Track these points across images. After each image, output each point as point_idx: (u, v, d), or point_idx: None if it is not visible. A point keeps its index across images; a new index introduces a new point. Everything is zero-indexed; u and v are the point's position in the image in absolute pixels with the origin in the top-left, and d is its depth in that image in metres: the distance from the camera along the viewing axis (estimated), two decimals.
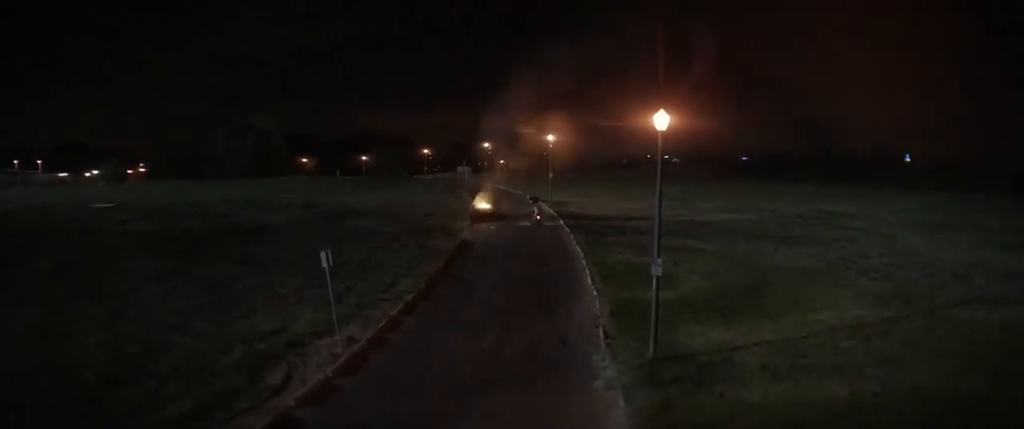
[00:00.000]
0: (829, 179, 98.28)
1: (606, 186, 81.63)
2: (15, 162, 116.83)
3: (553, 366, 15.47)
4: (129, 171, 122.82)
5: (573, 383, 14.41)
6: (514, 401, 13.37)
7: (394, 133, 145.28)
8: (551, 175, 60.83)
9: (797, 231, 38.41)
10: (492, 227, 41.77)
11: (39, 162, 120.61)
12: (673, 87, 15.97)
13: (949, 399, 12.94)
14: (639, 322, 17.33)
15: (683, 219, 43.67)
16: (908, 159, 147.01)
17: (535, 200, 47.74)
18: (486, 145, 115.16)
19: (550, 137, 66.82)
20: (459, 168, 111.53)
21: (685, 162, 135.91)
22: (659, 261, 15.63)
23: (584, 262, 27.75)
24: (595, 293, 21.93)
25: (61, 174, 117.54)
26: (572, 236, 35.77)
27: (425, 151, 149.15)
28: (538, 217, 43.57)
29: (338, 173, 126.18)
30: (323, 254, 16.54)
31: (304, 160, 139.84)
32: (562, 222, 42.36)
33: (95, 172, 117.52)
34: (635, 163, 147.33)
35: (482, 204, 48.71)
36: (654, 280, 15.68)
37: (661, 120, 14.95)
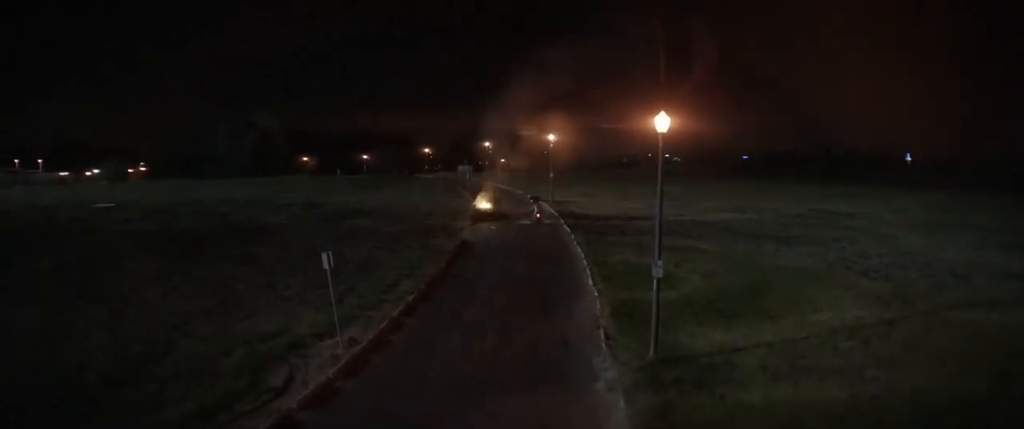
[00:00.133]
0: (829, 178, 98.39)
1: (607, 185, 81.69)
2: (16, 161, 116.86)
3: (554, 368, 15.50)
4: (130, 170, 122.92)
5: (574, 385, 14.43)
6: (515, 403, 13.40)
7: (394, 132, 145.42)
8: (552, 174, 60.91)
9: (797, 231, 38.45)
10: (493, 227, 41.82)
11: (40, 161, 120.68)
12: (674, 87, 15.96)
13: (949, 401, 12.97)
14: (640, 323, 17.38)
15: (684, 219, 43.70)
16: (909, 158, 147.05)
17: (536, 199, 48.08)
18: (487, 144, 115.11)
19: (551, 137, 66.93)
20: (460, 167, 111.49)
21: (686, 161, 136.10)
22: (660, 263, 15.66)
23: (585, 262, 27.79)
24: (596, 293, 21.97)
25: (62, 173, 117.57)
26: (573, 236, 35.81)
27: (426, 150, 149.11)
28: (538, 215, 44.49)
29: (338, 172, 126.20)
30: (324, 255, 16.57)
31: (305, 159, 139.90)
32: (563, 222, 42.39)
33: (96, 171, 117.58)
34: (636, 162, 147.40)
35: (483, 204, 49.03)
36: (655, 282, 15.72)
37: (662, 122, 14.97)
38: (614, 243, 32.86)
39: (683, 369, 14.67)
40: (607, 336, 17.29)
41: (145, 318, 18.61)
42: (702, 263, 26.88)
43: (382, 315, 19.31)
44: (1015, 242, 33.58)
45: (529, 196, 50.96)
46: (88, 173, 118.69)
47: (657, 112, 15.05)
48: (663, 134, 15.25)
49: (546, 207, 50.75)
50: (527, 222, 43.53)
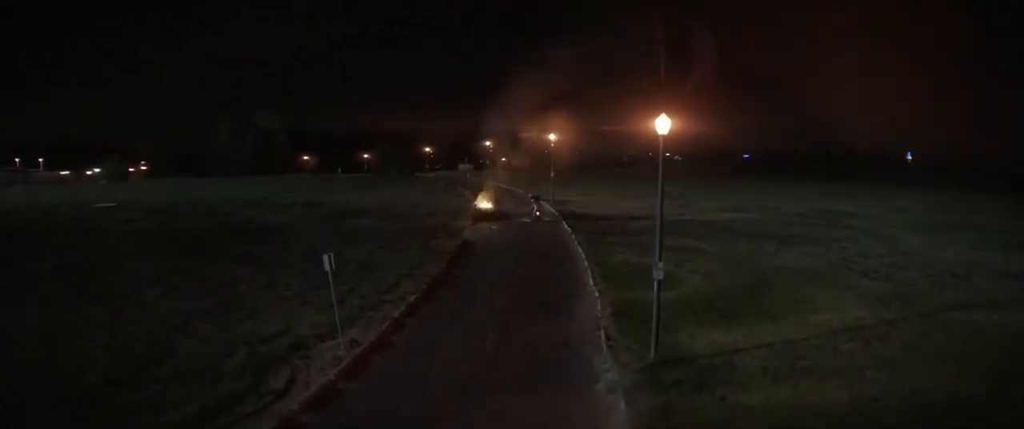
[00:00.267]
0: (830, 178, 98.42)
1: (607, 185, 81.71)
2: (16, 160, 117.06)
3: (554, 368, 15.52)
4: (130, 169, 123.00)
5: (574, 385, 14.45)
6: (516, 404, 13.43)
7: (395, 132, 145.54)
8: (553, 174, 60.96)
9: (798, 230, 38.46)
10: (494, 226, 41.89)
11: (40, 160, 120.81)
12: (674, 87, 15.98)
13: (948, 402, 13.00)
14: (640, 324, 17.41)
15: (684, 218, 43.73)
16: (909, 158, 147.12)
17: (536, 199, 48.52)
18: (487, 143, 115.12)
19: (552, 136, 67.02)
20: (461, 166, 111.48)
21: (686, 160, 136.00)
22: (660, 265, 15.68)
23: (585, 262, 27.82)
24: (597, 294, 22.00)
25: (63, 172, 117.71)
26: (573, 236, 35.83)
27: (426, 149, 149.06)
28: (537, 213, 45.75)
29: (339, 171, 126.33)
30: (326, 257, 16.57)
31: (305, 158, 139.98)
32: (563, 222, 42.42)
33: (96, 170, 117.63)
34: (636, 161, 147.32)
35: (484, 203, 49.45)
36: (655, 283, 15.74)
37: (662, 124, 14.99)
38: (615, 243, 32.88)
39: (683, 370, 14.70)
40: (608, 337, 17.32)
41: (146, 318, 18.66)
42: (702, 263, 26.90)
43: (383, 316, 19.34)
44: (1015, 242, 33.60)
45: (530, 195, 51.19)
46: (89, 172, 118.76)
47: (657, 113, 15.06)
48: (664, 135, 15.27)
49: (547, 206, 50.88)
50: (527, 220, 44.78)
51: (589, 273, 25.62)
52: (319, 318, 18.53)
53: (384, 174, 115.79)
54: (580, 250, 30.95)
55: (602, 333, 17.67)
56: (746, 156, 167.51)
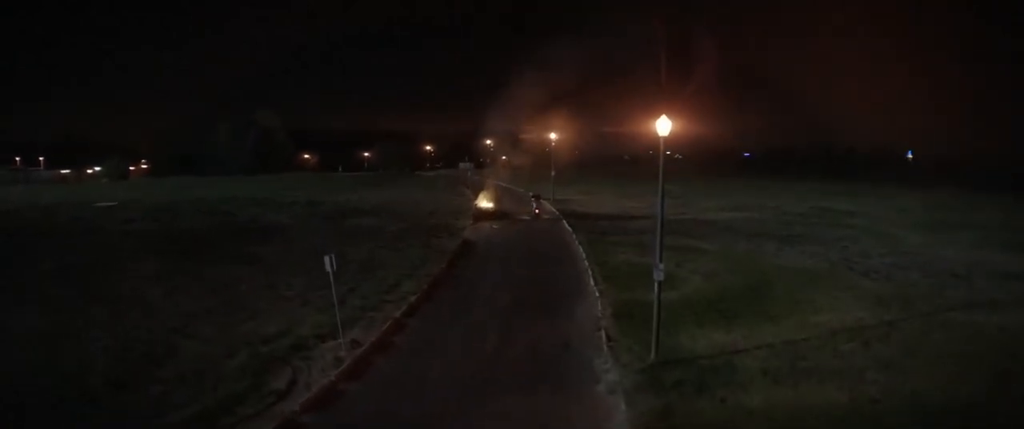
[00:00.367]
0: (830, 176, 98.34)
1: (608, 183, 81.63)
2: (17, 159, 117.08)
3: (556, 370, 15.54)
4: (131, 168, 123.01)
5: (575, 387, 14.49)
6: (517, 405, 13.46)
7: (395, 131, 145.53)
8: (553, 173, 60.97)
9: (799, 230, 38.48)
10: (495, 226, 41.92)
11: (41, 159, 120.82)
12: (675, 87, 16.01)
13: (948, 404, 13.04)
14: (641, 324, 17.44)
15: (685, 218, 43.73)
16: (910, 156, 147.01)
17: (537, 198, 49.13)
18: (488, 142, 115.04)
19: (552, 135, 67.03)
20: (461, 164, 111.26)
21: (687, 158, 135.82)
22: (661, 266, 15.71)
23: (586, 263, 27.84)
24: (597, 294, 22.02)
25: (63, 171, 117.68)
26: (574, 236, 35.83)
27: (427, 147, 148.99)
28: (537, 211, 47.15)
29: (340, 169, 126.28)
30: (327, 258, 16.60)
31: (306, 156, 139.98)
32: (564, 221, 42.44)
33: (97, 169, 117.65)
34: (637, 160, 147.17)
35: (485, 203, 49.72)
36: (656, 285, 15.77)
37: (663, 126, 15.00)
38: (615, 243, 32.90)
39: (684, 371, 14.74)
40: (608, 337, 17.36)
41: (147, 319, 18.72)
42: (703, 263, 26.93)
43: (384, 316, 19.38)
44: (1015, 241, 33.64)
45: (531, 194, 51.46)
46: (90, 171, 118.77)
47: (658, 113, 15.08)
48: (664, 136, 15.28)
49: (547, 205, 51.01)
50: (527, 218, 46.01)
51: (590, 273, 25.64)
52: (320, 318, 18.59)
53: (385, 172, 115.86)
54: (581, 250, 30.97)
55: (603, 334, 17.70)
56: (746, 154, 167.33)
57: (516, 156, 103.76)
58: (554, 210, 49.39)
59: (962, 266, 26.86)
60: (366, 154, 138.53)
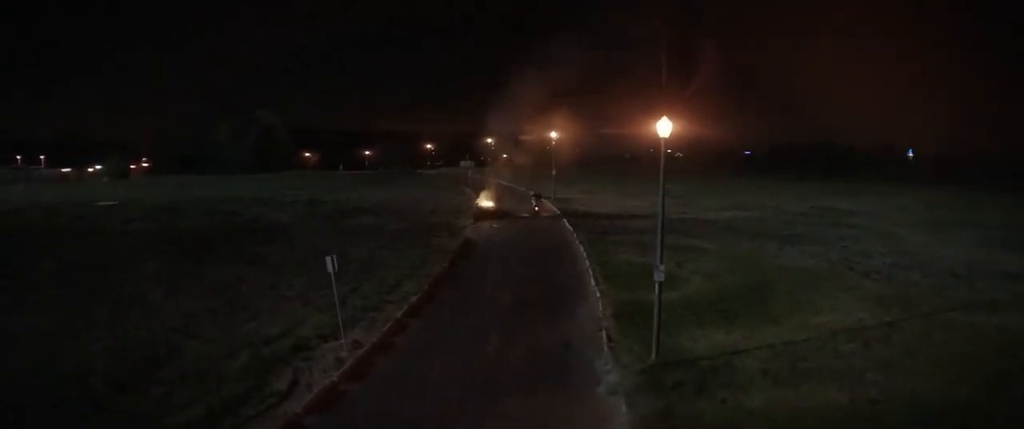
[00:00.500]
0: (831, 175, 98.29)
1: (609, 182, 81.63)
2: (18, 158, 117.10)
3: (556, 371, 15.57)
4: (132, 166, 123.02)
5: (576, 388, 14.52)
6: (518, 405, 13.50)
7: (395, 131, 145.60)
8: (554, 171, 60.96)
9: (800, 229, 38.47)
10: (495, 225, 41.93)
11: (42, 158, 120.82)
12: (675, 87, 16.01)
13: (948, 404, 13.07)
14: (641, 325, 17.47)
15: (686, 217, 43.73)
16: (911, 155, 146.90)
17: (537, 197, 49.43)
18: (489, 140, 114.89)
19: (553, 134, 67.01)
20: (462, 163, 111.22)
21: (688, 157, 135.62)
22: (662, 267, 15.73)
23: (587, 262, 27.85)
24: (598, 295, 22.04)
25: (64, 169, 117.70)
26: (575, 236, 35.83)
27: (428, 146, 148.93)
28: (536, 209, 47.97)
29: (341, 168, 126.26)
30: (329, 259, 16.63)
31: (307, 155, 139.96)
32: (565, 221, 42.44)
33: (98, 167, 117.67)
34: (638, 159, 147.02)
35: (485, 202, 49.83)
36: (656, 286, 15.79)
37: (664, 127, 15.01)
38: (616, 243, 32.90)
39: (684, 372, 14.76)
40: (609, 338, 17.39)
41: (148, 319, 18.74)
42: (704, 263, 26.93)
43: (385, 317, 19.41)
44: (1016, 240, 33.66)
45: (531, 193, 51.63)
46: (90, 170, 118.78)
47: (659, 112, 15.09)
48: (665, 140, 15.29)
49: (548, 204, 51.07)
50: (526, 215, 46.86)
51: (590, 273, 25.66)
52: (322, 319, 18.62)
53: (386, 171, 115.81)
54: (582, 249, 30.98)
55: (603, 334, 17.72)
56: (747, 153, 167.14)
57: (517, 155, 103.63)
58: (555, 209, 49.42)
59: (962, 266, 26.87)
60: (367, 153, 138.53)
